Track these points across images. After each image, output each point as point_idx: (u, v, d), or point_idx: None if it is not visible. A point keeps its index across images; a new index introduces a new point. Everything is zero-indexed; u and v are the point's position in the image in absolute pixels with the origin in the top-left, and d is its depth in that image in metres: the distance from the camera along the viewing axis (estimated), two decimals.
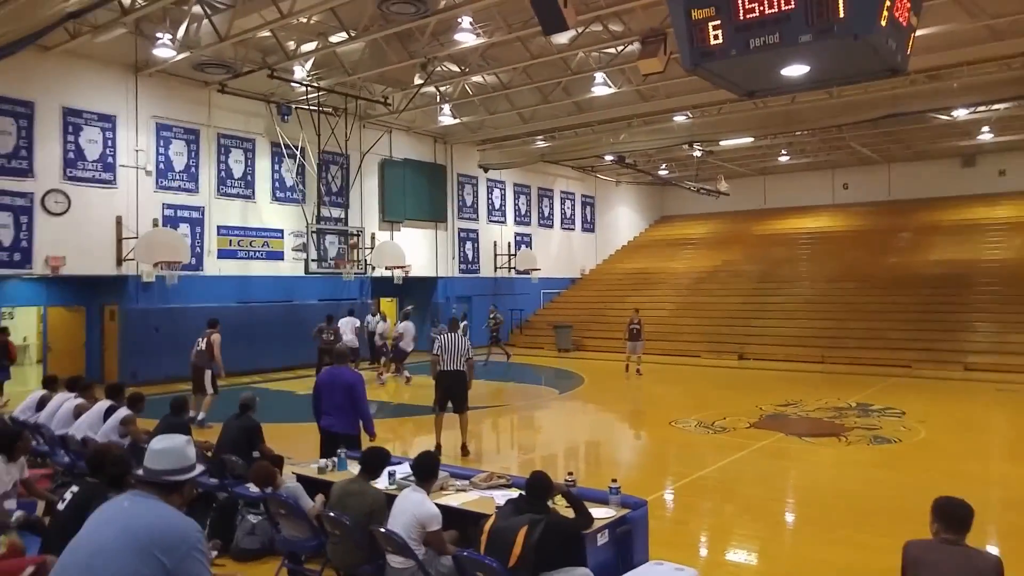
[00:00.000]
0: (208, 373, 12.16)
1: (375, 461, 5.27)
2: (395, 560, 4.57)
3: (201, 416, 11.78)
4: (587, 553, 4.47)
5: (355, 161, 21.29)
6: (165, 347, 16.66)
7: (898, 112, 18.00)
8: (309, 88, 18.42)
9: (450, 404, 9.75)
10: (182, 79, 17.46)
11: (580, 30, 14.92)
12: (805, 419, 12.36)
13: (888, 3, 3.50)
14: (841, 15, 3.43)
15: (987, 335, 19.63)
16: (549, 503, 4.55)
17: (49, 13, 12.12)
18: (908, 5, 3.77)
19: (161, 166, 17.45)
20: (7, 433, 5.99)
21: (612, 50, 16.21)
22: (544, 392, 17.30)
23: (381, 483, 5.40)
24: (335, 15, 14.35)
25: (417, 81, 18.44)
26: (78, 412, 8.09)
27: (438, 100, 20.58)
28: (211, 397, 12.17)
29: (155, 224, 16.93)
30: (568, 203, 31.21)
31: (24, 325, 20.83)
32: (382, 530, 4.57)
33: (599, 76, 17.82)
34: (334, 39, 15.55)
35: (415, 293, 24.53)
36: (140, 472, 2.87)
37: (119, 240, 16.55)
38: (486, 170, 26.16)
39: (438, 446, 9.45)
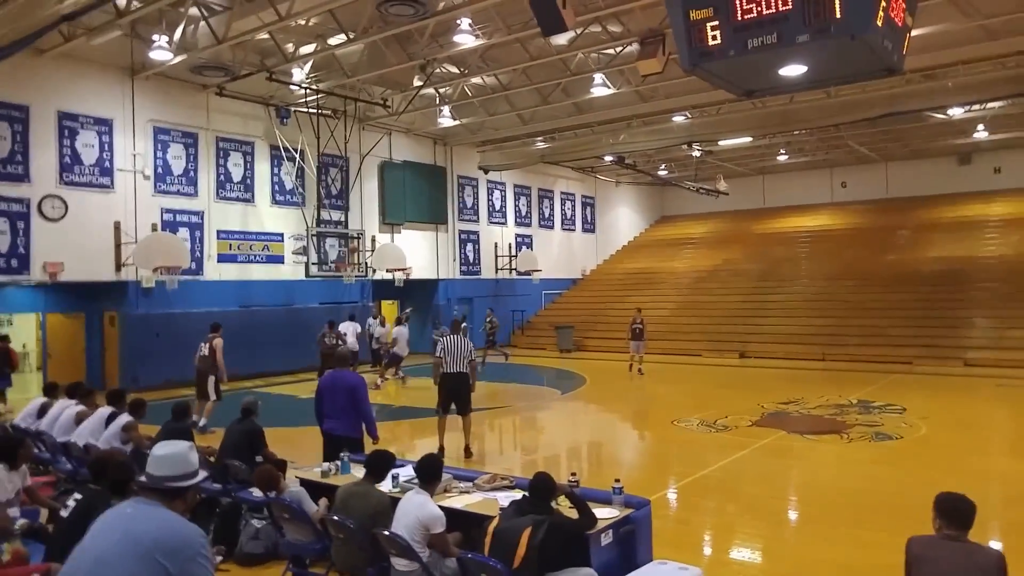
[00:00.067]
0: (212, 379, 12.14)
1: (380, 464, 5.28)
2: (399, 563, 4.57)
3: (203, 422, 11.77)
4: (591, 553, 4.48)
5: (355, 163, 21.30)
6: (166, 352, 16.66)
7: (895, 111, 18.06)
8: (308, 90, 18.43)
9: (453, 406, 9.75)
10: (179, 82, 17.45)
11: (579, 31, 14.93)
12: (806, 417, 12.37)
13: (884, 3, 3.52)
14: (838, 15, 3.45)
15: (986, 331, 19.67)
16: (552, 504, 4.56)
17: (44, 16, 12.13)
18: (903, 5, 3.79)
19: (159, 170, 17.43)
20: (9, 441, 5.99)
21: (611, 51, 16.22)
22: (546, 393, 17.31)
23: (384, 486, 5.40)
24: (334, 17, 14.34)
25: (416, 83, 18.44)
26: (79, 419, 8.08)
27: (438, 102, 20.58)
28: (213, 403, 12.16)
29: (154, 229, 16.92)
30: (568, 204, 31.23)
31: (23, 332, 20.80)
32: (386, 533, 4.58)
33: (598, 77, 17.83)
34: (333, 41, 15.56)
35: (416, 295, 24.53)
36: (143, 478, 2.88)
37: (118, 245, 16.54)
38: (486, 171, 26.17)
39: (441, 448, 9.45)
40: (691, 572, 4.40)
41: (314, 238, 19.75)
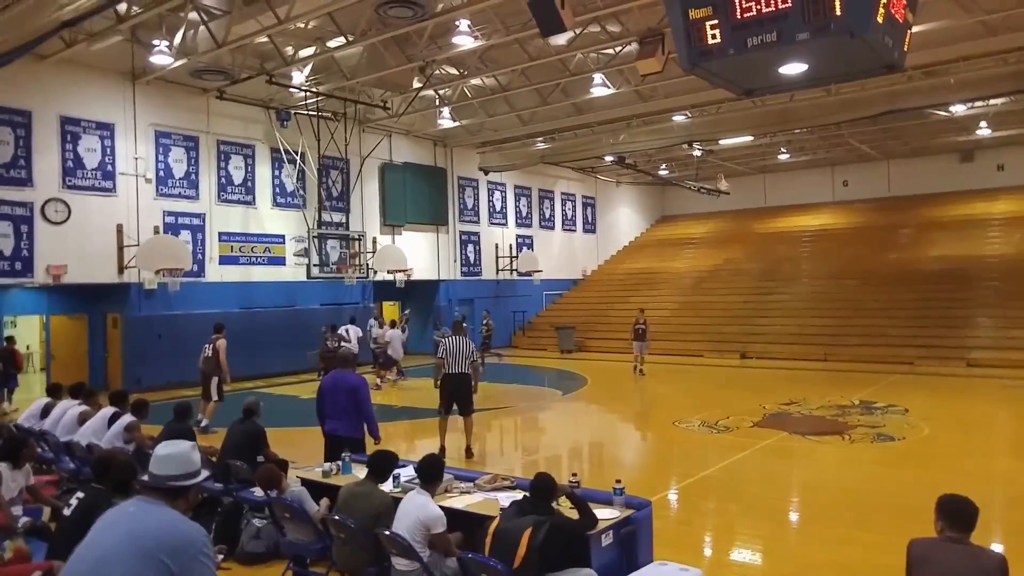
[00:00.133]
0: (215, 379, 12.15)
1: (383, 464, 5.28)
2: (400, 562, 4.58)
3: (205, 422, 11.79)
4: (591, 554, 4.48)
5: (355, 165, 21.32)
6: (168, 354, 16.70)
7: (896, 109, 18.02)
8: (308, 93, 18.46)
9: (455, 407, 9.75)
10: (180, 86, 17.48)
11: (578, 31, 14.94)
12: (808, 418, 12.35)
13: (884, 0, 3.52)
14: (838, 13, 3.44)
15: (989, 331, 19.63)
16: (553, 504, 4.56)
17: (44, 22, 12.12)
18: (904, 2, 3.79)
19: (161, 173, 17.47)
20: (12, 440, 6.02)
21: (610, 51, 16.23)
22: (547, 393, 17.31)
23: (386, 486, 5.40)
24: (333, 20, 14.37)
25: (416, 85, 18.46)
26: (82, 419, 8.12)
27: (437, 103, 20.59)
28: (215, 403, 12.17)
29: (156, 231, 16.96)
30: (569, 204, 31.23)
31: (27, 334, 20.85)
32: (387, 533, 4.58)
33: (598, 77, 17.84)
34: (332, 44, 15.58)
35: (417, 296, 24.55)
36: (145, 478, 2.89)
37: (120, 248, 16.58)
38: (486, 172, 26.18)
39: (442, 448, 9.45)
40: (692, 573, 4.39)
41: (315, 240, 19.77)
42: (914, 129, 24.57)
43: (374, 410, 7.54)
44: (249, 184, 19.34)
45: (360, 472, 5.92)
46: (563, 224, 30.83)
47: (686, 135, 21.75)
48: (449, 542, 4.62)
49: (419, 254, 23.58)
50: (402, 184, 23.08)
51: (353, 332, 17.56)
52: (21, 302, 18.37)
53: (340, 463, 6.24)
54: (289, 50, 16.33)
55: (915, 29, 4.17)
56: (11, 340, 15.69)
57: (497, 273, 27.09)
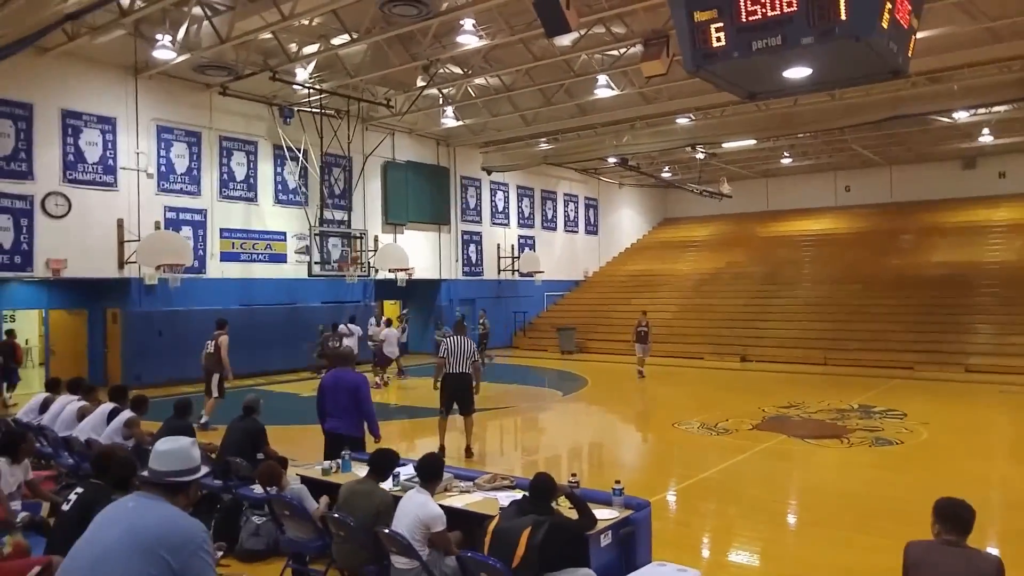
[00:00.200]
0: (216, 376, 12.13)
1: (384, 463, 5.29)
2: (399, 561, 4.58)
3: (204, 419, 11.79)
4: (590, 554, 4.48)
5: (358, 163, 21.31)
6: (167, 350, 16.72)
7: (899, 114, 17.99)
8: (311, 90, 18.45)
9: (456, 406, 9.75)
10: (183, 81, 17.48)
11: (582, 32, 14.94)
12: (807, 421, 12.35)
13: (889, 5, 3.52)
14: (843, 17, 3.44)
15: (988, 337, 19.63)
16: (553, 504, 4.56)
17: (47, 14, 12.15)
18: (909, 7, 3.79)
19: (163, 168, 17.47)
20: (11, 435, 6.03)
21: (615, 52, 16.23)
22: (548, 394, 17.31)
23: (385, 484, 5.41)
24: (337, 17, 14.37)
25: (419, 83, 18.46)
26: (82, 414, 8.12)
27: (441, 102, 20.61)
28: (216, 400, 12.17)
29: (157, 227, 16.95)
30: (571, 205, 31.23)
31: (26, 328, 20.87)
32: (386, 531, 4.58)
33: (602, 78, 17.86)
34: (336, 41, 15.58)
35: (419, 296, 24.57)
36: (145, 473, 2.89)
37: (121, 243, 16.57)
38: (489, 172, 26.18)
39: (441, 448, 9.45)
40: (690, 574, 4.39)
41: (317, 238, 19.78)
42: (917, 135, 24.57)
43: (374, 409, 7.55)
44: (251, 181, 19.34)
45: (360, 470, 5.93)
46: (565, 225, 30.83)
47: (689, 138, 21.75)
48: (448, 541, 4.62)
49: (421, 253, 23.57)
50: (404, 183, 23.08)
51: (354, 330, 17.67)
52: (20, 296, 18.38)
53: (340, 461, 6.24)
54: (293, 47, 16.33)
55: (919, 35, 4.17)
56: (11, 334, 15.73)
57: (499, 273, 27.09)
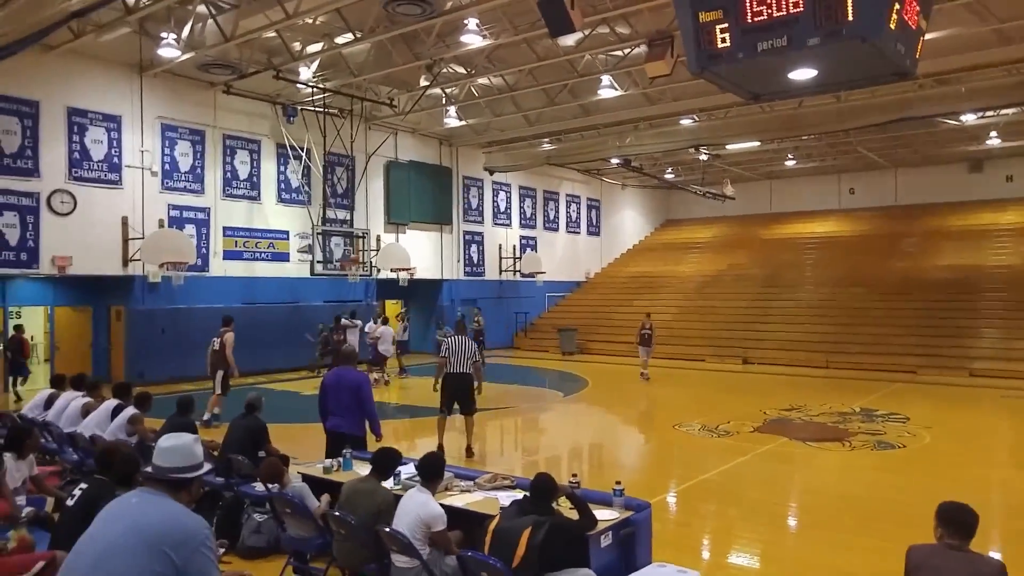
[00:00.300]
0: (220, 373, 12.14)
1: (386, 462, 5.29)
2: (400, 560, 4.58)
3: (207, 416, 11.80)
4: (590, 555, 4.48)
5: (360, 163, 21.33)
6: (171, 347, 16.76)
7: (906, 116, 17.95)
8: (315, 89, 18.47)
9: (456, 406, 9.75)
10: (187, 80, 17.51)
11: (587, 32, 14.94)
12: (809, 424, 12.33)
13: (897, 6, 3.50)
14: (850, 18, 3.42)
15: (992, 341, 19.57)
16: (553, 504, 4.56)
17: (53, 12, 12.17)
18: (918, 8, 3.77)
19: (167, 167, 17.50)
20: (17, 431, 6.05)
21: (619, 52, 16.21)
22: (548, 395, 17.31)
23: (387, 483, 5.41)
24: (341, 16, 14.38)
25: (423, 83, 18.47)
26: (86, 411, 8.15)
27: (444, 102, 20.61)
28: (218, 397, 12.18)
29: (161, 225, 16.98)
30: (573, 206, 31.21)
31: (31, 324, 20.93)
32: (387, 530, 4.59)
33: (605, 79, 17.84)
34: (340, 40, 15.59)
35: (420, 296, 24.58)
36: (148, 470, 2.90)
37: (125, 240, 16.61)
38: (491, 172, 26.18)
39: (440, 447, 9.44)
40: (690, 575, 4.39)
41: (319, 237, 19.79)
42: (923, 138, 24.50)
43: (376, 408, 7.56)
44: (254, 179, 19.37)
45: (361, 469, 5.93)
46: (567, 226, 30.82)
47: (693, 139, 21.74)
48: (449, 540, 4.62)
49: (422, 253, 23.58)
50: (407, 182, 23.08)
51: (355, 323, 17.87)
52: (26, 293, 18.43)
53: (341, 460, 6.25)
54: (297, 46, 16.35)
55: (927, 36, 4.15)
56: (20, 329, 15.84)
57: (500, 274, 27.08)
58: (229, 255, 18.69)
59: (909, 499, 7.89)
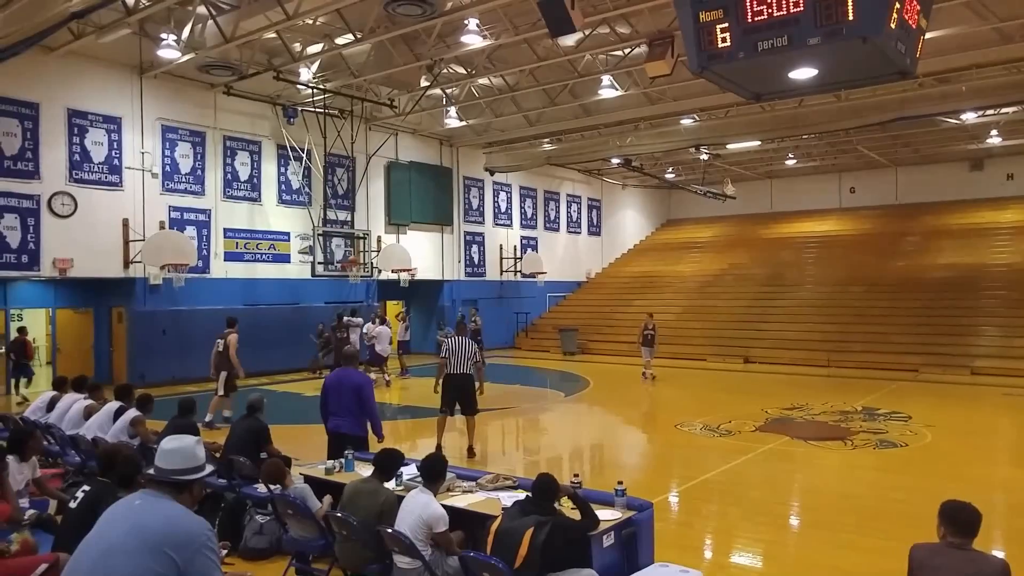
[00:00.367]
0: (223, 374, 12.13)
1: (389, 462, 5.29)
2: (402, 560, 4.59)
3: (209, 418, 11.80)
4: (593, 555, 4.48)
5: (361, 164, 21.34)
6: (172, 349, 16.78)
7: (906, 115, 17.95)
8: (315, 90, 18.48)
9: (458, 407, 9.74)
10: (187, 81, 17.52)
11: (587, 32, 14.94)
12: (811, 423, 12.32)
13: (897, 5, 3.50)
14: (850, 17, 3.43)
15: (994, 339, 19.56)
16: (555, 505, 4.56)
17: (53, 13, 12.18)
18: (918, 7, 3.77)
19: (167, 168, 17.50)
20: (19, 432, 6.06)
21: (619, 52, 16.21)
22: (550, 395, 17.31)
23: (389, 484, 5.41)
24: (341, 17, 14.39)
25: (423, 83, 18.48)
26: (88, 413, 8.16)
27: (444, 102, 20.62)
28: (220, 398, 12.18)
29: (161, 226, 17.00)
30: (574, 206, 31.21)
31: (33, 327, 20.93)
32: (389, 530, 4.59)
33: (606, 79, 17.84)
34: (340, 41, 15.60)
35: (421, 296, 24.58)
36: (151, 471, 2.90)
37: (126, 242, 16.62)
38: (492, 173, 26.18)
39: (438, 447, 9.44)
40: (692, 575, 4.39)
41: (320, 238, 19.80)
42: (924, 136, 24.51)
43: (378, 409, 7.56)
44: (255, 181, 19.37)
45: (363, 470, 5.94)
46: (568, 226, 30.82)
47: (694, 139, 21.74)
48: (451, 541, 4.63)
49: (423, 254, 23.58)
50: (407, 183, 23.09)
51: (356, 321, 17.95)
52: (27, 295, 18.44)
53: (343, 461, 6.25)
54: (297, 46, 16.36)
55: (928, 35, 4.15)
56: (23, 331, 15.86)
57: (501, 274, 27.08)
58: (230, 256, 18.69)
59: (911, 498, 7.89)
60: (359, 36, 14.91)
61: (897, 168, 29.82)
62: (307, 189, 20.25)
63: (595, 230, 32.47)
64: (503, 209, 27.47)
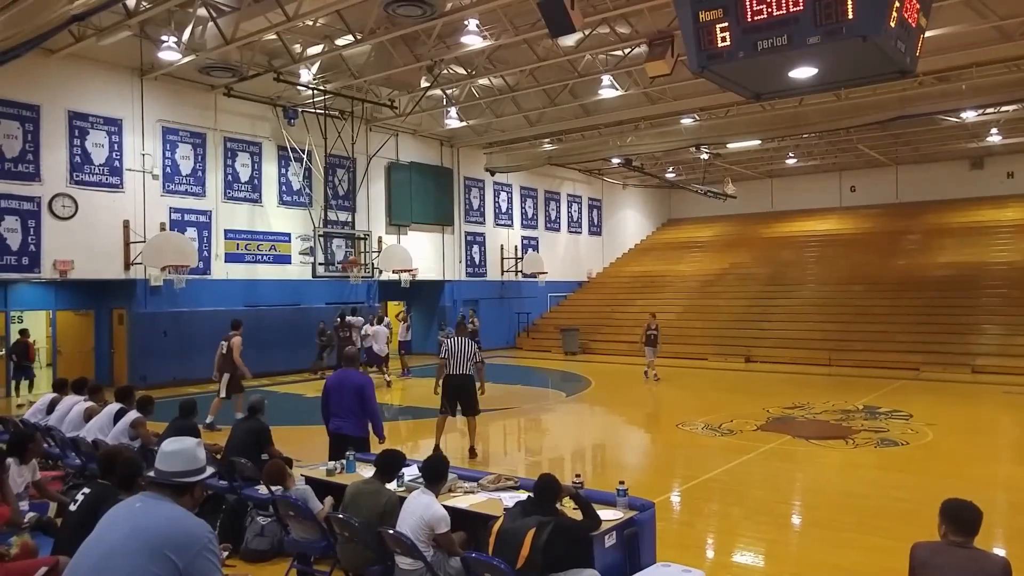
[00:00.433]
0: (225, 376, 12.12)
1: (391, 463, 5.29)
2: (403, 561, 4.58)
3: (210, 419, 11.80)
4: (595, 555, 4.48)
5: (361, 164, 21.34)
6: (173, 351, 16.79)
7: (906, 114, 17.95)
8: (315, 91, 18.49)
9: (459, 408, 9.73)
10: (188, 82, 17.53)
11: (587, 32, 14.94)
12: (812, 422, 12.32)
13: (897, 4, 3.50)
14: (850, 16, 3.42)
15: (994, 337, 19.56)
16: (557, 505, 4.56)
17: (53, 16, 12.18)
18: (917, 6, 3.77)
19: (168, 170, 17.51)
20: (19, 435, 6.05)
21: (619, 52, 16.21)
22: (551, 395, 17.31)
23: (390, 485, 5.41)
24: (341, 18, 14.39)
25: (423, 84, 18.48)
26: (88, 415, 8.15)
27: (444, 103, 20.62)
28: (221, 400, 12.17)
29: (162, 228, 17.01)
30: (575, 206, 31.21)
31: (33, 329, 20.94)
32: (391, 531, 4.59)
33: (606, 79, 17.83)
34: (340, 42, 15.61)
35: (422, 297, 24.58)
36: (151, 474, 2.90)
37: (127, 244, 16.63)
38: (492, 173, 26.18)
39: (436, 447, 9.43)
40: (695, 575, 4.39)
41: (321, 238, 19.80)
42: (924, 135, 24.51)
43: (379, 409, 7.56)
44: (256, 182, 19.38)
45: (364, 471, 5.93)
46: (569, 226, 30.82)
47: (694, 138, 21.74)
48: (453, 542, 4.62)
49: (424, 254, 23.59)
50: (408, 184, 23.09)
51: (357, 321, 17.94)
52: (28, 297, 18.45)
53: (344, 462, 6.25)
54: (297, 48, 16.36)
55: (928, 34, 4.14)
56: (25, 333, 15.88)
57: (502, 274, 27.08)
58: (231, 258, 18.70)
59: (912, 496, 7.88)
60: (359, 37, 14.92)
61: (897, 167, 29.81)
62: (308, 190, 20.25)
63: (596, 230, 32.46)
64: (504, 209, 27.47)
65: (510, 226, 27.72)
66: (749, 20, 3.71)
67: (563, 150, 24.48)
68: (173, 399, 10.17)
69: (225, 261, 18.56)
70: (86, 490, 4.63)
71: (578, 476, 5.18)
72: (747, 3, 3.70)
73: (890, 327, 20.85)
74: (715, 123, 20.89)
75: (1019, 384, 16.21)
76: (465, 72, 18.00)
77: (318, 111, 19.66)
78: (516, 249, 27.67)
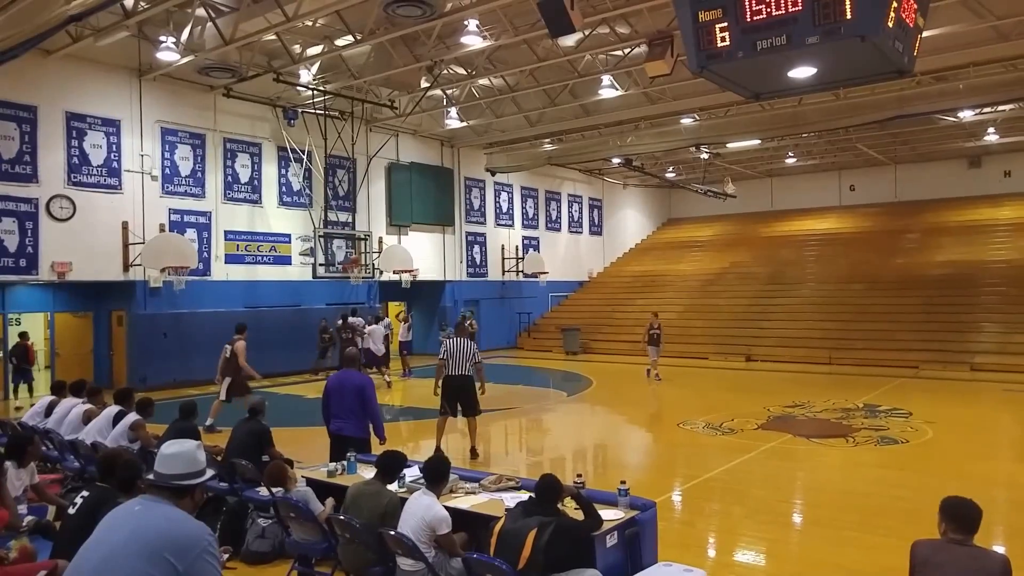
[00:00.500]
0: (227, 379, 12.11)
1: (392, 464, 5.29)
2: (405, 562, 4.58)
3: (210, 421, 11.79)
4: (596, 555, 4.48)
5: (362, 165, 21.34)
6: (173, 352, 16.77)
7: (904, 114, 17.98)
8: (315, 92, 18.48)
9: (459, 408, 9.72)
10: (187, 83, 17.51)
11: (587, 33, 14.94)
12: (812, 420, 12.32)
13: (895, 4, 3.50)
14: (848, 16, 3.43)
15: (993, 336, 19.58)
16: (558, 505, 4.56)
17: (51, 16, 12.17)
18: (915, 6, 3.77)
19: (167, 171, 17.49)
20: (17, 438, 6.04)
21: (619, 52, 16.21)
22: (552, 395, 17.31)
23: (391, 486, 5.41)
24: (340, 18, 14.39)
25: (423, 84, 18.48)
26: (87, 417, 8.13)
27: (444, 103, 20.62)
28: (221, 403, 12.16)
29: (161, 229, 17.00)
30: (575, 206, 31.21)
31: (32, 331, 20.93)
32: (392, 533, 4.58)
33: (606, 79, 17.83)
34: (340, 42, 15.60)
35: (423, 297, 24.58)
36: (151, 476, 2.89)
37: (125, 245, 16.61)
38: (493, 173, 26.18)
39: (437, 448, 9.42)
40: (696, 574, 4.39)
41: (321, 239, 19.79)
42: (922, 134, 24.55)
43: (380, 410, 7.55)
44: (255, 183, 19.37)
45: (365, 472, 5.93)
46: (569, 226, 30.82)
47: (694, 138, 21.74)
48: (454, 543, 4.62)
49: (425, 254, 23.58)
50: (408, 184, 23.08)
51: (357, 322, 17.94)
52: (26, 299, 18.42)
53: (345, 463, 6.25)
54: (297, 48, 16.35)
55: (925, 34, 4.15)
56: (24, 336, 15.88)
57: (503, 274, 27.08)
58: (231, 259, 18.68)
59: (913, 495, 7.88)
60: (359, 37, 14.91)
61: (896, 166, 29.83)
62: (308, 191, 20.25)
63: (596, 230, 32.47)
64: (504, 209, 27.47)
65: (511, 226, 27.72)
66: (748, 20, 3.71)
67: (563, 150, 24.48)
68: (173, 401, 10.16)
69: (225, 262, 18.55)
70: (85, 493, 4.62)
71: (579, 476, 5.18)
72: (746, 3, 3.70)
73: (890, 326, 20.86)
74: (715, 123, 20.90)
75: (1018, 382, 16.22)
76: (465, 72, 18.00)
77: (318, 112, 19.66)
78: (517, 249, 27.67)
